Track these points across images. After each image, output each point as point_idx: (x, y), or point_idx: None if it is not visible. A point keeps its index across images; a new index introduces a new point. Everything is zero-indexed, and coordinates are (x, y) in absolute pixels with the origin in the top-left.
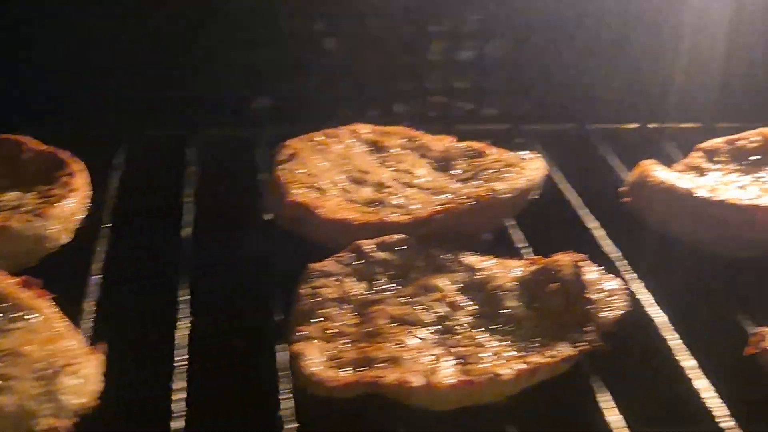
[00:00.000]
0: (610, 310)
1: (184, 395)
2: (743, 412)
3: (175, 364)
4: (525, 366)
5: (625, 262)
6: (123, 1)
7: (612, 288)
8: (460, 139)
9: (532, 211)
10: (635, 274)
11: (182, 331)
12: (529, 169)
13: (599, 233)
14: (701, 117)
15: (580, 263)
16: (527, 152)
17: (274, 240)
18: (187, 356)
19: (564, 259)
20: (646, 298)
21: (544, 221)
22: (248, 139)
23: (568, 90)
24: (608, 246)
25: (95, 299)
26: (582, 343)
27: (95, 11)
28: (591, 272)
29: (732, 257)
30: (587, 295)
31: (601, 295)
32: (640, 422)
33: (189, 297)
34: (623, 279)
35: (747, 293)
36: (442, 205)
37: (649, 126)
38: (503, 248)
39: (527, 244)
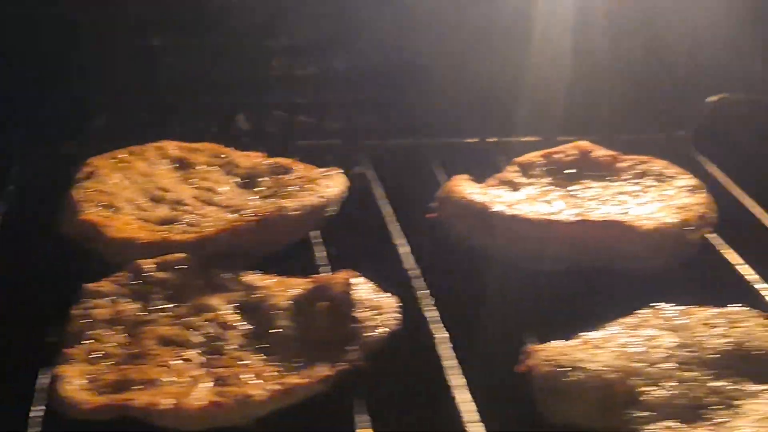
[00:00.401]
0: (378, 328)
1: None
2: None
3: None
4: (278, 387)
5: (422, 278)
6: None
7: (384, 306)
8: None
9: (343, 226)
10: (428, 291)
11: None
12: (324, 185)
13: (404, 249)
14: (543, 130)
15: (353, 281)
16: (331, 168)
17: (64, 259)
18: None
19: (338, 276)
20: (433, 315)
21: (353, 237)
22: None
23: (408, 105)
24: (408, 262)
25: None
26: (341, 363)
27: None
28: (362, 290)
29: (536, 271)
30: (355, 314)
31: (369, 314)
32: None
33: None
34: (415, 296)
35: (541, 308)
36: (230, 224)
37: (488, 140)
38: (300, 265)
39: (326, 262)
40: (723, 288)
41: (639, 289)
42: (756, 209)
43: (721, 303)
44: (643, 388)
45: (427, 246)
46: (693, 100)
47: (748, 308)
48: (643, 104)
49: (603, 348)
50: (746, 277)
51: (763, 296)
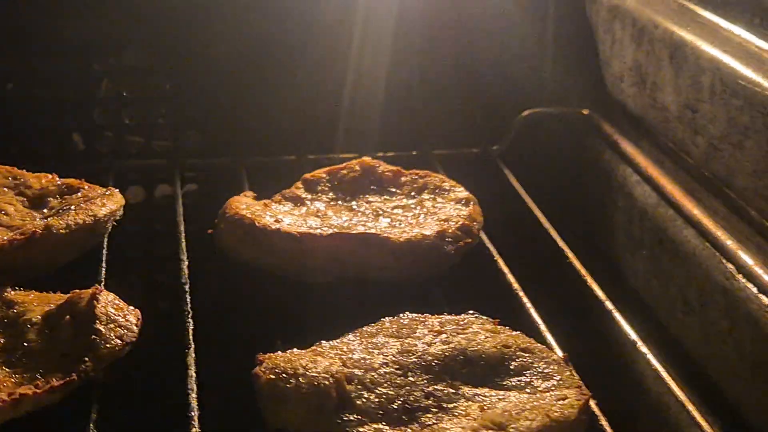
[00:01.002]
0: (113, 341)
1: None
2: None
3: None
4: (6, 398)
5: (188, 301)
6: None
7: (125, 320)
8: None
9: (135, 241)
10: (189, 303)
11: None
12: (99, 204)
13: (184, 264)
14: (364, 148)
15: (99, 295)
16: (110, 188)
17: None
18: None
19: (86, 292)
20: (190, 327)
21: (139, 251)
22: None
23: (232, 123)
24: (183, 276)
25: None
26: (71, 375)
27: None
28: (106, 304)
29: (299, 283)
30: (95, 326)
31: (107, 327)
32: None
33: None
34: (186, 311)
35: (297, 318)
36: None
37: (309, 157)
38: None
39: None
40: (487, 296)
41: (397, 300)
42: (542, 219)
43: (480, 310)
44: (358, 393)
45: (206, 260)
46: (508, 116)
47: (477, 315)
48: (461, 121)
49: (327, 356)
50: (511, 285)
51: (523, 303)
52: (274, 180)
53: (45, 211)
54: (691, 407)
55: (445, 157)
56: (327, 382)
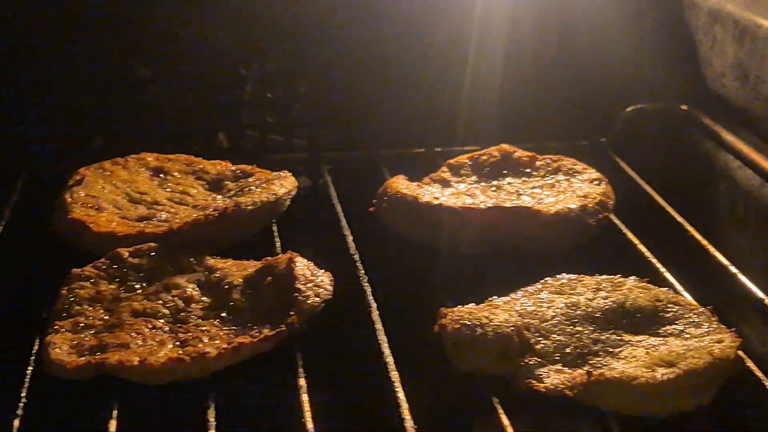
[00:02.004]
0: (312, 298)
1: None
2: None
3: None
4: (227, 346)
5: (361, 266)
6: None
7: (320, 281)
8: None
9: (301, 221)
10: (364, 271)
11: None
12: (277, 185)
13: (349, 238)
14: (483, 141)
15: (295, 260)
16: (283, 171)
17: (57, 253)
18: None
19: (283, 257)
20: (369, 290)
21: (309, 229)
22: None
23: (364, 120)
24: (351, 247)
25: None
26: (280, 327)
27: None
28: (301, 267)
29: (455, 254)
30: (295, 286)
31: (306, 286)
32: (323, 388)
33: None
34: (357, 275)
35: (458, 282)
36: (194, 219)
37: (436, 150)
38: (264, 252)
39: (280, 250)
40: (623, 263)
41: (546, 267)
42: (658, 199)
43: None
44: (536, 340)
45: (371, 237)
46: (611, 112)
47: (629, 276)
48: (569, 117)
49: (504, 309)
50: (644, 253)
51: (657, 268)
52: (409, 169)
53: (224, 192)
54: None
55: (557, 148)
56: (509, 330)
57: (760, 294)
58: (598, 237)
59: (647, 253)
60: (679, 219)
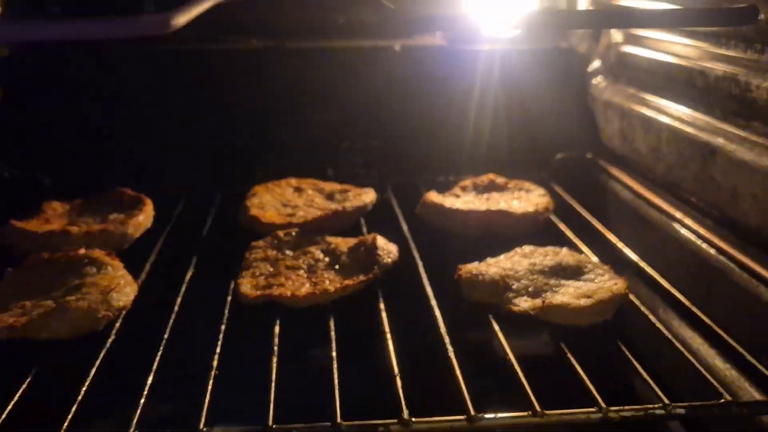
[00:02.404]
0: (387, 259)
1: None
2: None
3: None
4: (339, 285)
5: (412, 243)
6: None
7: (391, 249)
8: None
9: (377, 218)
10: (415, 247)
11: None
12: (364, 196)
13: (407, 227)
14: (475, 172)
15: (377, 238)
16: (368, 188)
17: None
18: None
19: (370, 236)
20: (417, 256)
21: (381, 223)
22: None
23: (409, 160)
24: (409, 233)
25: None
26: (370, 275)
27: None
28: (380, 241)
29: (473, 236)
30: (377, 253)
31: (383, 253)
32: (393, 309)
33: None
34: (410, 248)
35: (469, 251)
36: (318, 215)
37: (450, 178)
38: (357, 233)
39: (366, 233)
40: (559, 242)
41: (516, 243)
42: (577, 207)
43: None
44: (512, 283)
45: (417, 229)
46: (549, 156)
47: (563, 247)
48: (525, 158)
49: (493, 265)
50: (569, 236)
51: (577, 244)
52: (436, 189)
53: (334, 201)
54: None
55: (519, 177)
56: (497, 277)
57: (634, 257)
58: (545, 227)
59: (572, 236)
60: (588, 217)
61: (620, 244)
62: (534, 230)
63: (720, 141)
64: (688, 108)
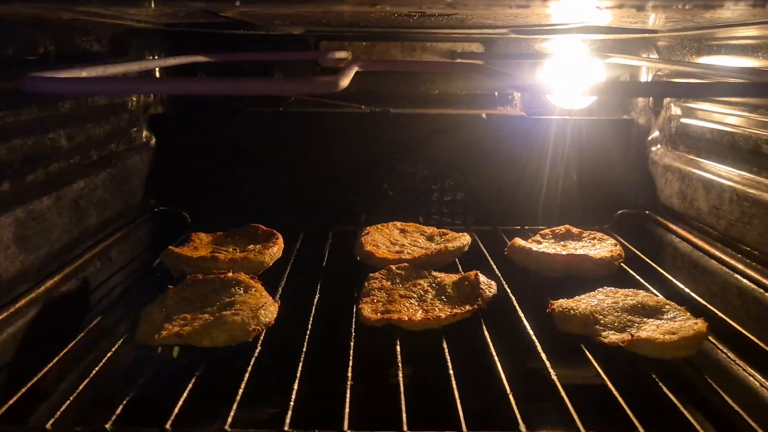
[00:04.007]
0: (489, 293)
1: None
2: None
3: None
4: (449, 312)
5: (503, 280)
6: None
7: (491, 285)
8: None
9: (471, 259)
10: (506, 283)
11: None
12: (461, 240)
13: (496, 267)
14: (550, 223)
15: (479, 275)
16: (463, 234)
17: (362, 268)
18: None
19: (472, 273)
20: (508, 291)
21: (475, 263)
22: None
23: (491, 210)
24: (499, 272)
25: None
26: (473, 306)
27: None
28: (482, 278)
29: (553, 276)
30: (480, 287)
31: (485, 287)
32: (494, 333)
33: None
34: (502, 284)
35: (561, 293)
36: (424, 253)
37: (526, 227)
38: (453, 270)
39: (463, 269)
40: (631, 285)
41: (596, 285)
42: (640, 255)
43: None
44: (600, 317)
45: (504, 268)
46: (613, 211)
47: (641, 290)
48: (593, 213)
49: (582, 301)
50: (642, 281)
51: (649, 288)
52: (515, 236)
53: (434, 242)
54: None
55: (589, 228)
56: (587, 312)
57: (699, 299)
58: (617, 272)
59: (643, 281)
60: (653, 264)
61: (689, 291)
62: (608, 274)
63: None
64: (746, 171)
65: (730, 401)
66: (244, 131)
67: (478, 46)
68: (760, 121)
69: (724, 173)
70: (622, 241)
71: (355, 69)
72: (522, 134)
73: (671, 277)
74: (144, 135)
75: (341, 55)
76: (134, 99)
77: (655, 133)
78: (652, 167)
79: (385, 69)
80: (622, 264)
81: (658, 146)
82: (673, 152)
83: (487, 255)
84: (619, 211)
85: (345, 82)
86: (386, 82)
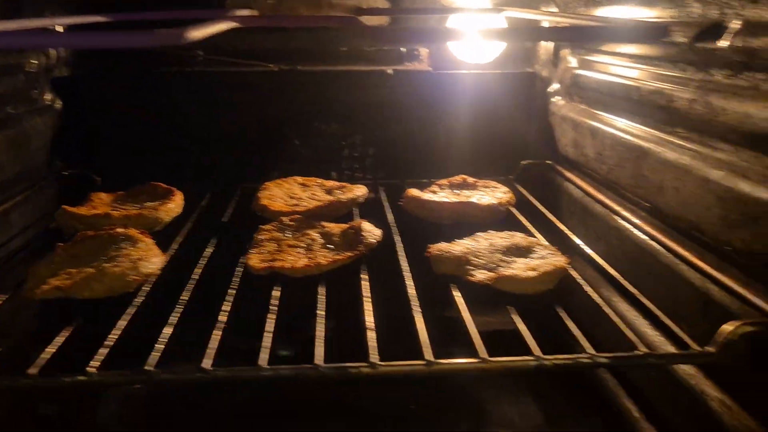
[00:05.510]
0: (372, 240)
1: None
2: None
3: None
4: (331, 259)
5: (396, 227)
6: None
7: (376, 232)
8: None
9: (367, 208)
10: (396, 232)
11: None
12: (357, 191)
13: (391, 218)
14: (449, 174)
15: (363, 223)
16: (361, 185)
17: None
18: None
19: (359, 221)
20: (396, 239)
21: (372, 212)
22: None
23: (396, 165)
24: (392, 222)
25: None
26: (355, 252)
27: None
28: (366, 225)
29: (446, 224)
30: (362, 234)
31: (367, 234)
32: (373, 279)
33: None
34: (391, 232)
35: (441, 234)
36: (316, 204)
37: (432, 180)
38: (349, 221)
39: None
40: (516, 228)
41: (480, 229)
42: (535, 202)
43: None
44: (472, 259)
45: (400, 218)
46: (515, 162)
47: (518, 232)
48: (494, 164)
49: (458, 245)
50: (527, 225)
51: (531, 231)
52: (417, 187)
53: (333, 195)
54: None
55: (487, 178)
56: (460, 255)
57: (579, 242)
58: (507, 219)
59: (528, 225)
60: (543, 210)
61: (568, 232)
62: (497, 220)
63: (650, 144)
64: (627, 119)
65: (570, 325)
66: (153, 92)
67: (384, 1)
68: (645, 71)
69: (607, 121)
70: (522, 189)
71: (224, 24)
72: (429, 89)
73: (556, 221)
74: (47, 97)
75: (244, 13)
76: (33, 60)
77: (555, 86)
78: (551, 118)
79: (263, 25)
80: (512, 210)
81: (558, 98)
82: (569, 103)
83: (387, 207)
84: (523, 162)
85: (195, 34)
86: (294, 40)
